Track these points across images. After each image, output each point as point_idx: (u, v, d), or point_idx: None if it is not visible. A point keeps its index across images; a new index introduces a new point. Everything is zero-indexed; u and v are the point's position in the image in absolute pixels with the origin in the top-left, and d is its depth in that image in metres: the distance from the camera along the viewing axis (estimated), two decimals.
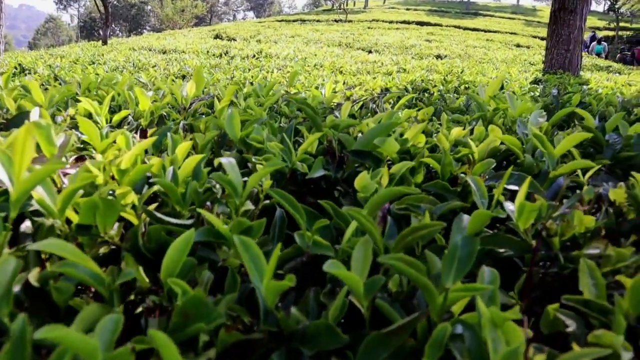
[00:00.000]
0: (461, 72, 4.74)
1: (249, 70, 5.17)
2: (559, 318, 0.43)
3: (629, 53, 15.86)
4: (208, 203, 0.57)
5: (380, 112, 1.08)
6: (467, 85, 3.14)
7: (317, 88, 3.47)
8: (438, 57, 9.25)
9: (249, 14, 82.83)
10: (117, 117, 0.98)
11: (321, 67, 5.84)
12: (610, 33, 26.29)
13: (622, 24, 29.96)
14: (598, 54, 16.42)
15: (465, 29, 24.13)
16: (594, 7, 57.01)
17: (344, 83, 3.68)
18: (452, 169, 0.70)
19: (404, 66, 5.38)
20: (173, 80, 4.59)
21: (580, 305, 0.41)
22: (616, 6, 20.40)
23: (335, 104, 1.33)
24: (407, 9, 38.28)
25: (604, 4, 36.76)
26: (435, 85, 3.09)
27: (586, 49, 17.15)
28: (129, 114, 1.05)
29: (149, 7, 55.77)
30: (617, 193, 0.60)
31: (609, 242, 0.50)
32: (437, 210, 0.57)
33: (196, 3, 45.74)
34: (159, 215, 0.50)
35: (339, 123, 0.80)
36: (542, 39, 24.17)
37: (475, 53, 10.26)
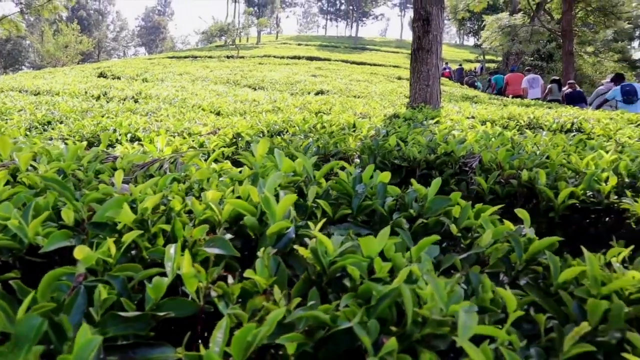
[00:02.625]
0: (330, 109, 5.02)
1: (122, 114, 5.05)
2: None
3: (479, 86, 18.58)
4: None
5: (170, 173, 1.15)
6: (323, 124, 3.34)
7: (181, 133, 3.49)
8: (320, 92, 9.66)
9: (140, 49, 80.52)
10: None
11: (199, 108, 5.86)
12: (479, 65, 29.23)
13: (490, 57, 33.40)
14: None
15: (353, 63, 25.43)
16: (466, 41, 62.78)
17: (213, 126, 3.74)
18: (184, 234, 0.78)
19: (279, 105, 5.57)
20: (35, 128, 4.35)
21: None
22: (478, 43, 23.02)
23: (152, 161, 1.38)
24: (299, 44, 39.64)
25: (474, 39, 40.74)
26: (294, 126, 3.26)
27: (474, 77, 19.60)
28: None
29: (28, 42, 52.15)
30: (302, 250, 0.72)
31: (267, 299, 0.60)
32: (134, 279, 0.65)
33: (81, 38, 43.62)
34: None
35: (90, 196, 0.86)
36: None
37: (357, 87, 10.86)
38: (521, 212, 0.99)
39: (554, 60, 25.48)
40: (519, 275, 0.84)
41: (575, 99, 10.64)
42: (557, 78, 11.93)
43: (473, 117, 4.42)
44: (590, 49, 20.05)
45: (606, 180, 1.50)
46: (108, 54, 66.47)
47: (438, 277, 0.85)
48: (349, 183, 1.06)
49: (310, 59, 25.72)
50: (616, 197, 1.44)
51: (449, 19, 28.09)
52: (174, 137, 3.38)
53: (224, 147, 2.64)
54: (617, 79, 9.72)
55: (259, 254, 0.69)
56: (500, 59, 31.47)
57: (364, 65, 24.08)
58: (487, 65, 28.97)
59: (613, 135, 3.46)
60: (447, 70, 21.46)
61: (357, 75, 16.96)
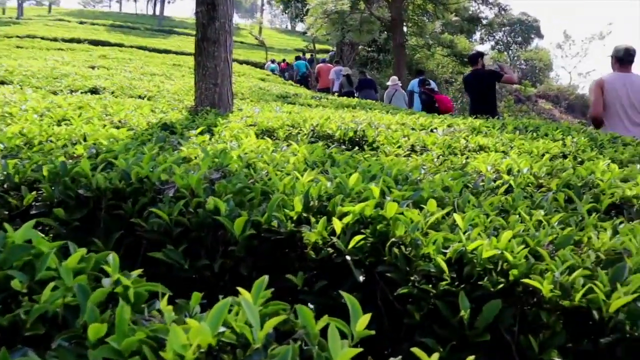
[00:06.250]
0: (79, 116, 4.87)
1: None
2: None
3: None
4: None
5: None
6: (49, 139, 3.25)
7: None
8: (94, 90, 9.29)
9: None
10: None
11: None
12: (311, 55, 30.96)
13: (323, 47, 35.52)
14: (272, 72, 22.55)
15: (153, 50, 25.02)
16: (299, 27, 65.71)
17: None
18: None
19: (12, 110, 5.24)
20: None
21: None
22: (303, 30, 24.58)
23: None
24: (81, 23, 37.61)
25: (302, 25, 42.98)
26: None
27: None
28: None
29: None
30: None
31: None
32: None
33: None
34: None
35: None
36: (242, 62, 26.92)
37: (146, 84, 10.67)
38: (113, 256, 1.11)
39: (390, 53, 28.04)
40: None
41: (364, 86, 14.29)
42: (347, 74, 15.55)
43: (255, 125, 4.67)
44: (421, 41, 22.58)
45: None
46: None
47: None
48: None
49: (96, 43, 24.61)
50: (294, 225, 1.67)
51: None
52: None
53: None
54: (418, 73, 13.39)
55: None
56: (334, 49, 33.70)
57: (167, 54, 23.83)
58: (319, 56, 30.76)
59: (396, 142, 3.95)
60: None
61: (155, 67, 16.71)
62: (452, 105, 11.23)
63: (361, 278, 1.55)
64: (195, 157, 2.60)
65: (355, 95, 14.11)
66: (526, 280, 1.39)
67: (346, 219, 1.64)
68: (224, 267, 1.68)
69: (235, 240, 1.64)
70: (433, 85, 11.91)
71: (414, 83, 12.44)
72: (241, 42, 40.26)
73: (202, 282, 1.66)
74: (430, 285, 1.48)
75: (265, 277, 1.09)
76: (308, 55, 27.99)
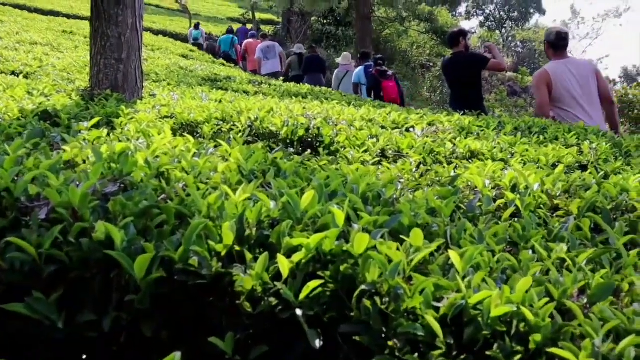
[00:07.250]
0: None
1: None
2: None
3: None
4: None
5: None
6: None
7: None
8: None
9: None
10: None
11: None
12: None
13: (266, 16, 35.60)
14: (195, 40, 23.34)
15: (36, 11, 24.76)
16: None
17: None
18: None
19: None
20: None
21: None
22: None
23: None
24: None
25: None
26: None
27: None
28: None
29: None
30: None
31: None
32: None
33: None
34: None
35: None
36: (158, 32, 26.73)
37: (23, 57, 10.37)
38: None
39: (352, 27, 28.27)
40: None
41: (312, 67, 14.29)
42: (300, 52, 15.48)
43: (172, 117, 4.54)
44: (392, 13, 22.87)
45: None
46: None
47: None
48: None
49: None
50: (221, 264, 1.53)
51: None
52: None
53: None
54: (362, 58, 12.86)
55: None
56: (280, 20, 33.81)
57: (55, 17, 23.57)
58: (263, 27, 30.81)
59: (361, 145, 3.87)
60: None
61: (37, 33, 16.42)
62: (398, 98, 11.37)
63: (318, 342, 1.43)
64: (84, 161, 2.45)
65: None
66: (554, 350, 1.28)
67: (297, 257, 1.52)
68: (119, 324, 1.53)
69: (136, 285, 1.50)
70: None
71: (359, 73, 12.28)
72: (157, 7, 40.06)
73: (84, 347, 1.51)
74: (417, 355, 1.38)
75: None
76: (250, 26, 27.64)
